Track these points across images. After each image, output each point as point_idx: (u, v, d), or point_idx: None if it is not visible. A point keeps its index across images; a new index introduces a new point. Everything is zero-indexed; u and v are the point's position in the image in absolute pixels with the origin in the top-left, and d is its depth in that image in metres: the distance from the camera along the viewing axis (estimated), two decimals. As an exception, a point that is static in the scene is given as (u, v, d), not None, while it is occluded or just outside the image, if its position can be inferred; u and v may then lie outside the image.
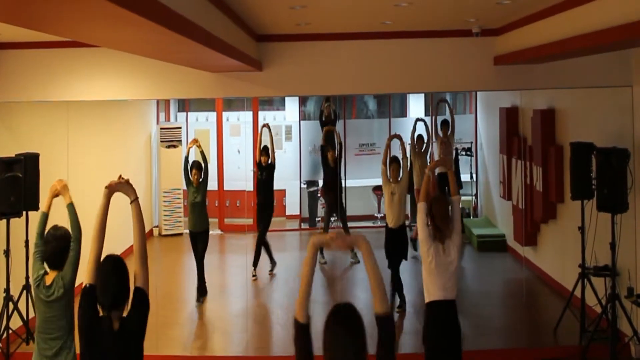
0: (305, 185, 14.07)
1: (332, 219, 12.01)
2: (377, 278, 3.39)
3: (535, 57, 7.31)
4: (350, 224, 13.24)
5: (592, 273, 8.28)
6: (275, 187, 11.69)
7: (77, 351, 4.62)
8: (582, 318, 8.30)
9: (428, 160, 11.69)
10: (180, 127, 14.08)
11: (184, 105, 14.78)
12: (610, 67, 8.18)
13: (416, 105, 15.47)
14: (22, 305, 8.12)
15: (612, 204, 7.57)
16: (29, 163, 8.15)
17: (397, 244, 9.32)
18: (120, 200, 4.36)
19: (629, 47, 7.41)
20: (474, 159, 14.09)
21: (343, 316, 3.22)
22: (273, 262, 11.22)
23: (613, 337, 7.67)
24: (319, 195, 13.94)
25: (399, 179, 9.31)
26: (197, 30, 4.99)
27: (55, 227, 5.31)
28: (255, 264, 10.97)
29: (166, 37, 4.57)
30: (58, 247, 5.20)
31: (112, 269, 4.18)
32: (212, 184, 13.98)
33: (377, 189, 14.14)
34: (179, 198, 13.36)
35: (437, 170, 9.58)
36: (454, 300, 5.98)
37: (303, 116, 14.90)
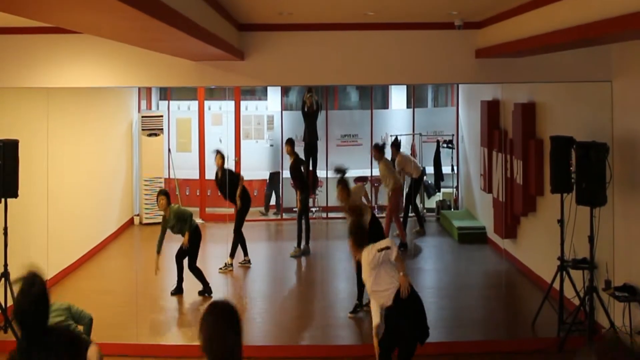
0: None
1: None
2: None
3: (516, 51, 7.34)
4: (331, 215, 13.34)
5: (571, 266, 8.34)
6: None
7: None
8: (560, 310, 8.37)
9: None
10: (161, 116, 14.00)
11: (166, 94, 14.72)
12: (591, 62, 8.24)
13: (398, 97, 15.49)
14: (-1, 293, 8.06)
15: (591, 197, 7.64)
16: (8, 150, 8.06)
17: None
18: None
19: (609, 42, 7.45)
20: (455, 151, 14.14)
21: (222, 311, 3.45)
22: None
23: (590, 329, 7.75)
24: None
25: None
26: (178, 17, 4.96)
27: None
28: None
29: (147, 23, 4.53)
30: None
31: None
32: (193, 173, 13.98)
33: (359, 180, 14.14)
34: (160, 186, 13.26)
35: None
36: None
37: (285, 106, 14.87)
